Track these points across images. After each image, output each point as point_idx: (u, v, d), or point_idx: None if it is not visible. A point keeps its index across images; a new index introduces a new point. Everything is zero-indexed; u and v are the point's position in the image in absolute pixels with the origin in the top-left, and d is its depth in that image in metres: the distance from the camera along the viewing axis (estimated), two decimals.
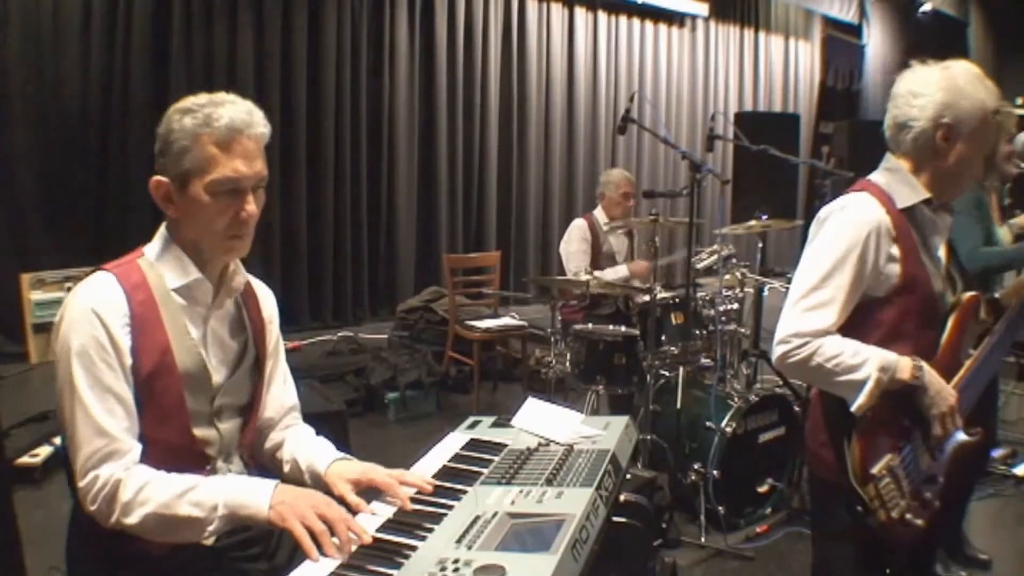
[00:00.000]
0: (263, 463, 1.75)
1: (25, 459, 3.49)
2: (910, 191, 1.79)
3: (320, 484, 1.59)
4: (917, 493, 1.75)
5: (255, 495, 1.38)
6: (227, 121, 1.43)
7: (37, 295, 5.18)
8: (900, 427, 1.75)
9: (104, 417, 1.37)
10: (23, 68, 5.34)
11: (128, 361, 1.41)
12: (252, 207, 1.48)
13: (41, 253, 5.41)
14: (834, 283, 1.72)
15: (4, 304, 5.24)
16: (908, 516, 1.73)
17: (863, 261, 1.72)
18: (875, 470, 1.70)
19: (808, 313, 1.73)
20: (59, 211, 5.54)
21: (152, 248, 1.53)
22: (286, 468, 1.68)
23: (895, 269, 1.74)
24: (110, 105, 5.67)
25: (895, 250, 1.74)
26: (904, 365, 1.70)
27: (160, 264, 1.51)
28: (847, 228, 1.74)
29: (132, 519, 1.35)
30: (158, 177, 1.48)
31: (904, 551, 1.80)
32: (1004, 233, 3.06)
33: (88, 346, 1.38)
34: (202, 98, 1.46)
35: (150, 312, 1.46)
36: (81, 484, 1.37)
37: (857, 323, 1.76)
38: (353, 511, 1.39)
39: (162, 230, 1.54)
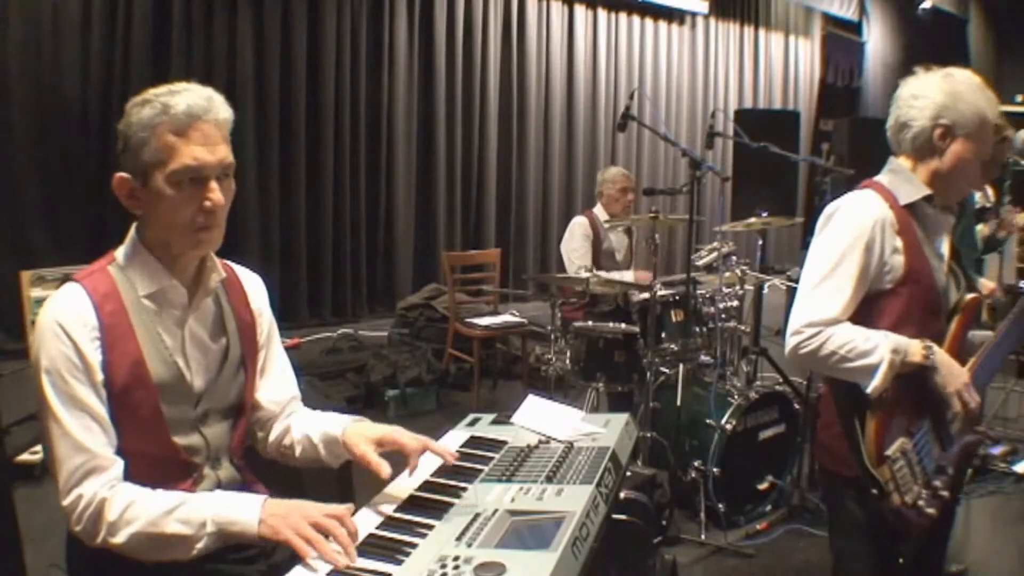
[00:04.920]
0: (267, 466, 1.72)
1: (25, 456, 3.49)
2: (912, 188, 1.86)
3: (337, 449, 1.58)
4: (928, 481, 1.80)
5: (244, 511, 1.36)
6: (184, 108, 1.38)
7: (37, 292, 5.17)
8: (913, 411, 1.80)
9: (81, 433, 1.35)
10: (23, 66, 5.32)
11: (99, 377, 1.38)
12: (217, 195, 1.42)
13: (41, 250, 5.41)
14: (842, 273, 1.79)
15: (4, 301, 5.24)
16: (920, 503, 1.77)
17: (869, 252, 1.79)
18: (889, 452, 1.75)
19: (818, 303, 1.79)
20: (59, 208, 5.53)
21: (123, 251, 1.49)
22: (298, 451, 1.65)
23: (900, 260, 1.80)
24: (110, 102, 5.66)
25: (899, 242, 1.81)
26: (915, 348, 1.76)
27: (130, 269, 1.47)
28: (853, 221, 1.81)
29: (119, 539, 1.33)
30: (120, 174, 1.44)
31: (915, 540, 1.83)
32: (980, 228, 3.08)
33: (57, 363, 1.35)
34: (160, 89, 1.42)
35: (120, 323, 1.42)
36: (65, 503, 1.35)
37: (864, 314, 1.81)
38: (373, 473, 1.40)
39: (132, 232, 1.50)
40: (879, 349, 1.73)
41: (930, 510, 1.78)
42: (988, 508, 3.55)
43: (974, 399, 1.78)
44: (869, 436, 1.75)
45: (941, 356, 1.77)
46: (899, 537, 1.82)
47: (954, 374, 1.77)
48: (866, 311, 1.82)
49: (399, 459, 1.58)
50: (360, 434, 1.54)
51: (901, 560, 1.84)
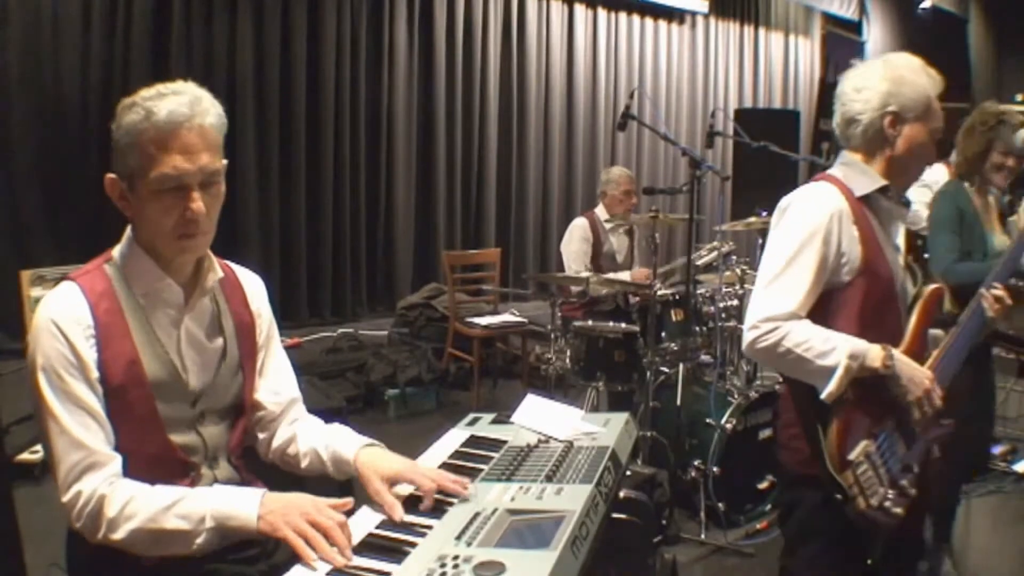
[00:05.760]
0: (265, 463, 1.71)
1: (25, 455, 3.49)
2: (867, 180, 1.85)
3: (347, 468, 1.55)
4: (895, 481, 1.76)
5: (243, 506, 1.36)
6: (165, 115, 1.37)
7: (37, 292, 5.17)
8: (875, 413, 1.76)
9: (79, 430, 1.35)
10: (23, 65, 5.33)
11: (95, 374, 1.38)
12: (197, 205, 1.40)
13: (41, 250, 5.41)
14: (800, 266, 1.76)
15: (4, 301, 5.24)
16: (887, 504, 1.74)
17: (827, 243, 1.76)
18: (852, 456, 1.71)
19: (776, 297, 1.76)
20: (59, 207, 5.53)
21: (119, 250, 1.50)
22: (304, 462, 1.64)
23: (857, 251, 1.78)
24: (110, 102, 5.60)
25: (856, 232, 1.79)
26: (875, 354, 1.72)
27: (126, 268, 1.47)
28: (809, 213, 1.79)
29: (119, 535, 1.33)
30: (111, 175, 1.44)
31: (882, 541, 1.80)
32: (1003, 241, 2.97)
33: (53, 360, 1.36)
34: (151, 90, 1.41)
35: (116, 321, 1.42)
36: (65, 500, 1.36)
37: (823, 309, 1.79)
38: (386, 513, 1.37)
39: (128, 230, 1.50)
40: (836, 352, 1.69)
41: (897, 510, 1.75)
42: (988, 508, 3.55)
43: (935, 406, 1.75)
44: (831, 440, 1.71)
45: (901, 364, 1.73)
46: (865, 539, 1.78)
47: (915, 381, 1.73)
48: (824, 306, 1.79)
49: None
50: (373, 469, 1.48)
51: (869, 561, 1.80)
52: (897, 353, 1.74)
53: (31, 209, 5.46)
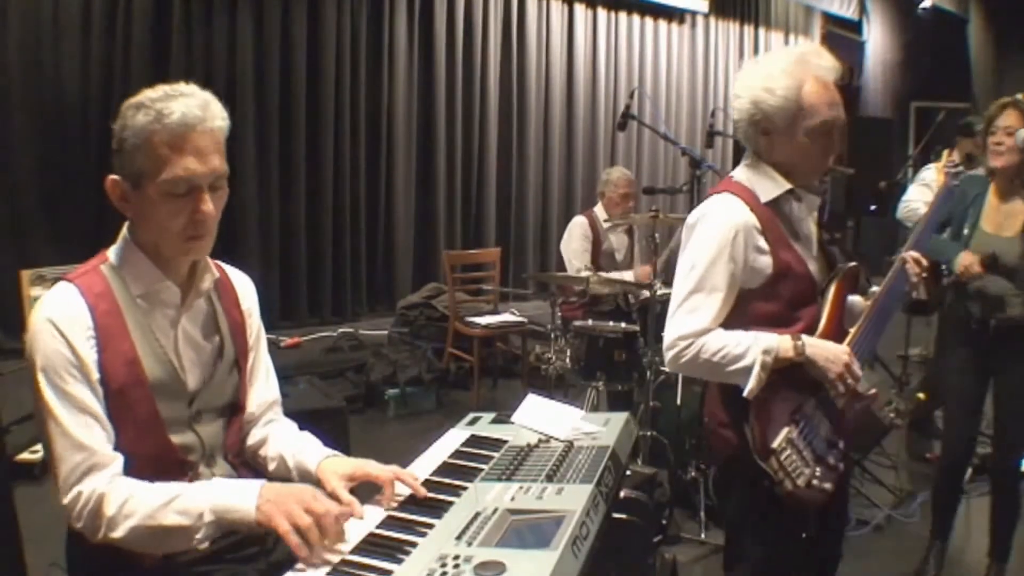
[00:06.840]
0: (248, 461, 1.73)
1: (26, 455, 3.50)
2: (772, 184, 1.84)
3: (311, 481, 1.56)
4: (821, 459, 1.81)
5: (241, 498, 1.36)
6: (178, 117, 1.36)
7: (37, 291, 5.17)
8: (795, 398, 1.81)
9: (80, 431, 1.35)
10: (23, 64, 5.32)
11: (95, 375, 1.38)
12: (208, 207, 1.41)
13: (41, 249, 5.41)
14: (708, 286, 1.79)
15: (4, 300, 5.24)
16: (815, 482, 1.79)
17: (734, 260, 1.78)
18: (775, 444, 1.76)
19: (688, 316, 1.80)
20: (59, 207, 5.53)
21: (115, 251, 1.49)
22: (271, 466, 1.66)
23: (766, 261, 1.80)
24: (110, 103, 5.65)
25: (763, 243, 1.80)
26: (786, 345, 1.76)
27: (123, 269, 1.47)
28: (715, 231, 1.80)
29: (119, 533, 1.34)
30: (113, 176, 1.44)
31: (816, 515, 1.85)
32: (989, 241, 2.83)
33: (53, 361, 1.36)
34: (157, 91, 1.41)
35: (115, 322, 1.42)
36: (66, 501, 1.36)
37: (738, 314, 1.82)
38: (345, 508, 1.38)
39: (124, 231, 1.50)
40: (751, 351, 1.73)
41: (827, 485, 1.80)
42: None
43: (856, 377, 1.78)
44: (753, 431, 1.76)
45: (814, 349, 1.76)
46: (797, 515, 1.82)
47: (831, 359, 1.76)
48: (740, 312, 1.83)
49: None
50: (332, 471, 1.52)
51: (804, 535, 1.85)
52: (808, 339, 1.78)
53: (31, 209, 5.46)
